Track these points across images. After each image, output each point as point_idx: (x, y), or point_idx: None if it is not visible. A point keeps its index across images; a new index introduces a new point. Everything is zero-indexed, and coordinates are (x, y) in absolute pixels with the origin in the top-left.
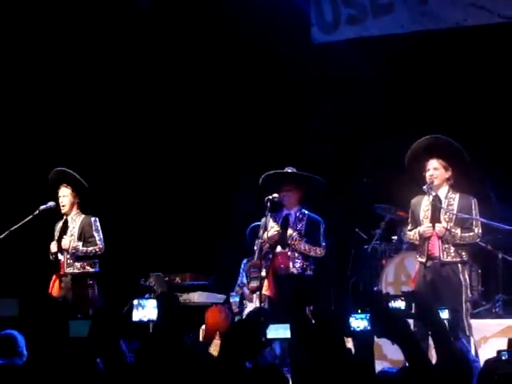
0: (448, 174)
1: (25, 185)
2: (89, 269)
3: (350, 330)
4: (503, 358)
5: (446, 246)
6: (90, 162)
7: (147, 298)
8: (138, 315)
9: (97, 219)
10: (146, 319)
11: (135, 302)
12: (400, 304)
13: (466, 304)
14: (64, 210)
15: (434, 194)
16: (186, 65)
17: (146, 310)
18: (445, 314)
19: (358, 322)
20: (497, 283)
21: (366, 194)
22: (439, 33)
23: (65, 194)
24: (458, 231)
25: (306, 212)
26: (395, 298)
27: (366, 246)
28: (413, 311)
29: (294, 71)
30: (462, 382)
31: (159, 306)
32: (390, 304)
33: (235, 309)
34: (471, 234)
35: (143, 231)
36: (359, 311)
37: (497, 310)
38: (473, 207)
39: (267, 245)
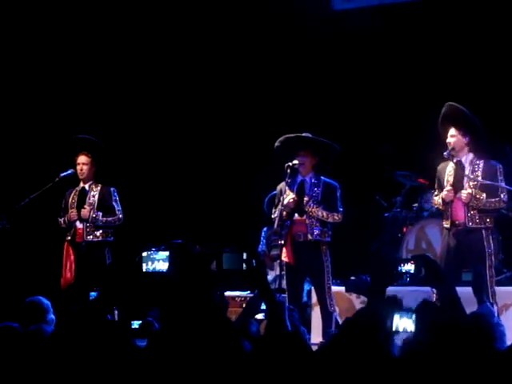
0: (466, 140)
1: (42, 152)
2: (106, 238)
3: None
4: None
5: (472, 212)
6: (105, 131)
7: (157, 251)
8: (148, 267)
9: (116, 189)
10: (156, 270)
11: (144, 254)
12: (410, 267)
13: (491, 270)
14: (83, 177)
15: (455, 160)
16: (206, 31)
17: (156, 263)
18: (469, 277)
19: (404, 322)
20: None
21: (387, 161)
22: None
23: (84, 162)
24: (484, 196)
25: (322, 177)
26: (405, 261)
27: (386, 214)
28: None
29: (314, 37)
30: (484, 345)
31: (170, 257)
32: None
33: None
34: (496, 199)
35: (164, 200)
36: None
37: None
38: (498, 173)
39: (285, 212)
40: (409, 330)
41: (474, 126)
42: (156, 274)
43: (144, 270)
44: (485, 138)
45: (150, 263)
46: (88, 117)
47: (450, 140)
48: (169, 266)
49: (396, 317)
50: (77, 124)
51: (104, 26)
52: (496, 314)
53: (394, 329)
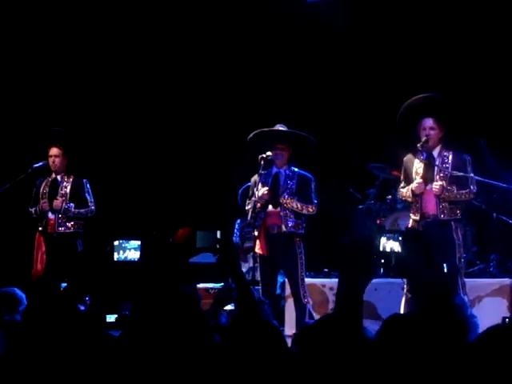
0: (442, 133)
1: (14, 144)
2: (78, 229)
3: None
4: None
5: (443, 204)
6: (77, 123)
7: (128, 239)
8: (119, 256)
9: (88, 181)
10: (127, 259)
11: (116, 243)
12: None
13: (460, 262)
14: (55, 169)
15: (427, 152)
16: (178, 24)
17: (127, 251)
18: (444, 268)
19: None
20: (491, 243)
21: (361, 153)
22: None
23: (56, 154)
24: (454, 188)
25: (296, 169)
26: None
27: (360, 206)
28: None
29: (288, 29)
30: (458, 335)
31: (142, 247)
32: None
33: None
34: (467, 190)
35: (137, 192)
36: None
37: (491, 270)
38: (467, 164)
39: (259, 204)
40: (396, 250)
41: (456, 120)
42: (128, 263)
43: (115, 259)
44: (464, 133)
45: (121, 252)
46: (60, 108)
47: (429, 132)
48: (140, 256)
49: (383, 239)
50: (49, 116)
51: (77, 19)
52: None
53: (381, 249)
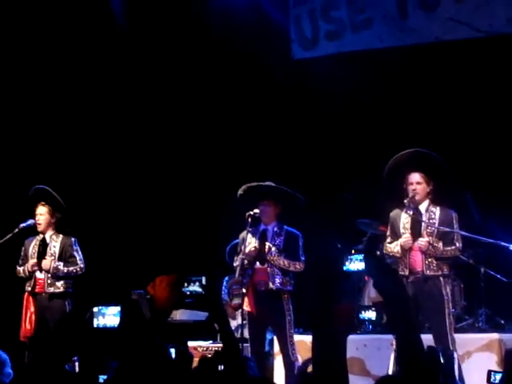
0: (429, 188)
1: (3, 203)
2: (67, 289)
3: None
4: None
5: (429, 259)
6: (66, 179)
7: (107, 306)
8: (98, 322)
9: (76, 240)
10: (107, 326)
11: (95, 309)
12: (371, 314)
13: (450, 318)
14: (40, 228)
15: (413, 207)
16: (169, 77)
17: (106, 318)
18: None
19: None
20: (479, 297)
21: (349, 210)
22: (419, 46)
23: (42, 213)
24: (440, 245)
25: (284, 226)
26: (366, 308)
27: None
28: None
29: (276, 87)
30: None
31: (121, 312)
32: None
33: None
34: (453, 247)
35: (124, 249)
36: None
37: (480, 325)
38: (454, 221)
39: (246, 261)
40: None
41: (443, 174)
42: (107, 330)
43: (95, 326)
44: (451, 188)
45: (100, 318)
46: (47, 167)
47: (415, 187)
48: (120, 321)
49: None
50: (36, 174)
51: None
52: (456, 361)
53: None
